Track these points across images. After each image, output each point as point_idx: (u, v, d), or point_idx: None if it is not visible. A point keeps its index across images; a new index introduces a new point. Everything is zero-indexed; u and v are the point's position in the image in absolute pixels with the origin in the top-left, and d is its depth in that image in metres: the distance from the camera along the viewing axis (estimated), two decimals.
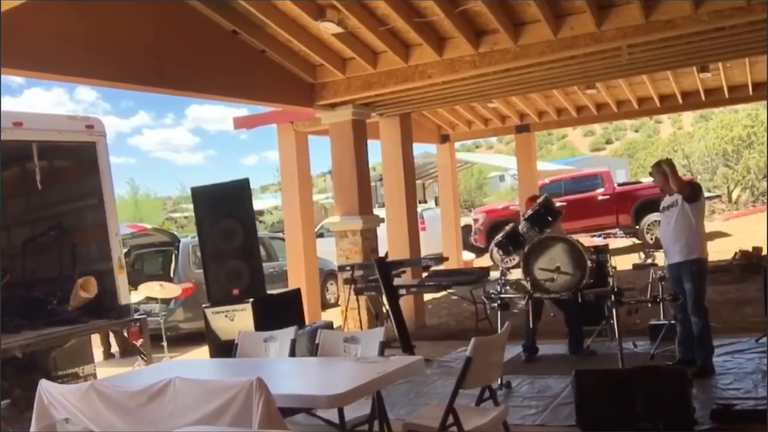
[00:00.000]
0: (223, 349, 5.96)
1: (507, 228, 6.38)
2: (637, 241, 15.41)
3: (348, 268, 7.92)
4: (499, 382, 5.63)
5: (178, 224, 31.63)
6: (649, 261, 6.58)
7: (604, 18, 6.19)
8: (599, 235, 15.49)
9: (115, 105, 76.30)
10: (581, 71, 7.79)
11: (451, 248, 13.42)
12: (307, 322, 7.96)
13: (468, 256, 14.89)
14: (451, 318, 9.86)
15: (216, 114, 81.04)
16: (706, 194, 21.75)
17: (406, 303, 8.23)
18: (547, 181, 16.72)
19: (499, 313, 6.18)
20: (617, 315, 5.76)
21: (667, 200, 5.85)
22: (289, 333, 4.45)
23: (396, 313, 7.22)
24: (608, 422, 4.39)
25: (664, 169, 5.71)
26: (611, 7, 6.16)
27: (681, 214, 5.66)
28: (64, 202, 6.96)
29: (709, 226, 18.97)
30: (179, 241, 10.77)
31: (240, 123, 10.84)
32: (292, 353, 4.37)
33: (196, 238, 7.67)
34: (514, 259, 6.29)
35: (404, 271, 8.42)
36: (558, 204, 16.25)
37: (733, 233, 16.38)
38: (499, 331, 5.38)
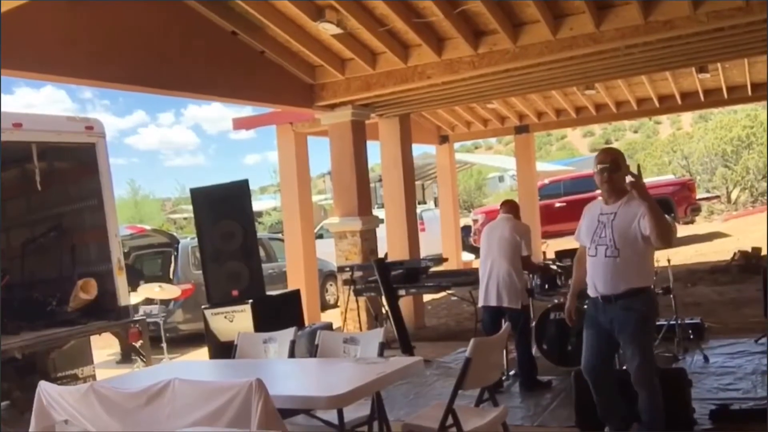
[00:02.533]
0: (223, 350, 5.95)
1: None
2: None
3: (347, 269, 7.92)
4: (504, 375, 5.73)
5: (177, 225, 31.62)
6: None
7: (603, 18, 6.20)
8: None
9: (113, 105, 76.31)
10: (580, 72, 7.80)
11: (451, 249, 13.42)
12: (306, 323, 7.95)
13: (467, 256, 14.89)
14: (450, 319, 9.86)
15: (215, 114, 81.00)
16: (706, 194, 21.90)
17: (405, 304, 8.23)
18: (546, 181, 16.73)
19: None
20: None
21: (604, 208, 4.10)
22: (288, 334, 4.45)
23: (395, 313, 7.22)
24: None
25: (626, 167, 4.04)
26: (610, 8, 6.16)
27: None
28: (63, 203, 6.97)
29: (709, 227, 19.02)
30: (178, 242, 10.78)
31: (239, 124, 10.85)
32: (292, 354, 4.37)
33: (196, 239, 7.67)
34: None
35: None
36: (558, 204, 16.28)
37: (733, 234, 16.39)
38: (498, 332, 5.39)
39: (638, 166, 3.98)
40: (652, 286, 4.23)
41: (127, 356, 9.18)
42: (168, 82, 6.31)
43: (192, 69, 6.47)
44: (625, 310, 3.96)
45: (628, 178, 3.85)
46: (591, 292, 4.13)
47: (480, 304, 6.04)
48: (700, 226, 18.65)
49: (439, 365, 6.91)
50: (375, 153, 9.45)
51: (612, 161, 4.06)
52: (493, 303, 5.83)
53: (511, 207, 6.19)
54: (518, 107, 11.82)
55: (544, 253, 8.72)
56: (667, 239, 3.91)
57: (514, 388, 5.88)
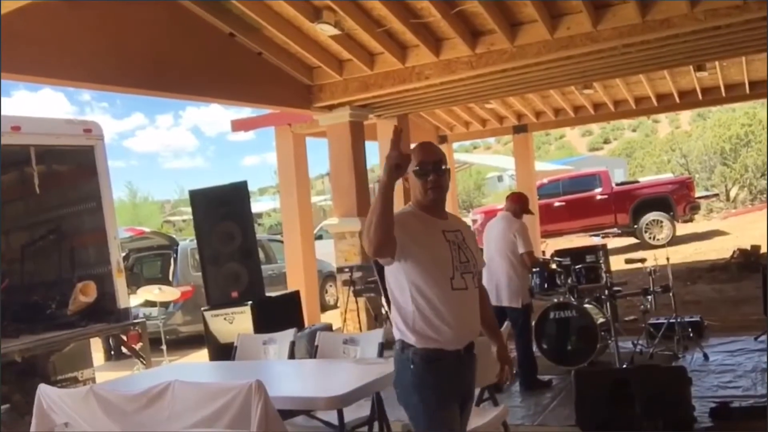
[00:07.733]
0: (223, 351, 5.96)
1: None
2: (635, 241, 15.44)
3: (347, 269, 7.92)
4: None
5: (176, 227, 31.58)
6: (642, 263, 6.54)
7: (601, 18, 6.20)
8: (597, 235, 15.52)
9: (112, 107, 76.19)
10: (578, 71, 7.80)
11: None
12: (306, 324, 7.95)
13: None
14: None
15: (214, 116, 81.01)
16: (705, 193, 21.92)
17: None
18: (545, 181, 16.73)
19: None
20: (613, 312, 5.77)
21: (441, 223, 2.87)
22: (288, 335, 4.46)
23: None
24: (608, 421, 4.40)
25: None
26: (607, 7, 6.17)
27: None
28: (62, 206, 6.96)
29: (708, 225, 19.03)
30: (178, 244, 10.78)
31: (238, 125, 10.84)
32: (292, 355, 4.38)
33: (195, 241, 7.66)
34: None
35: None
36: (557, 204, 16.30)
37: (732, 232, 16.41)
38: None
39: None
40: None
41: (118, 354, 9.19)
42: (166, 84, 6.31)
43: (190, 71, 6.47)
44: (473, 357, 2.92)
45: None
46: (451, 344, 2.75)
47: None
48: (699, 225, 18.67)
49: None
50: (374, 154, 9.45)
51: (443, 157, 2.83)
52: (492, 302, 5.82)
53: (513, 200, 6.12)
54: (516, 107, 11.81)
55: (543, 252, 8.73)
56: None
57: (514, 388, 5.88)
